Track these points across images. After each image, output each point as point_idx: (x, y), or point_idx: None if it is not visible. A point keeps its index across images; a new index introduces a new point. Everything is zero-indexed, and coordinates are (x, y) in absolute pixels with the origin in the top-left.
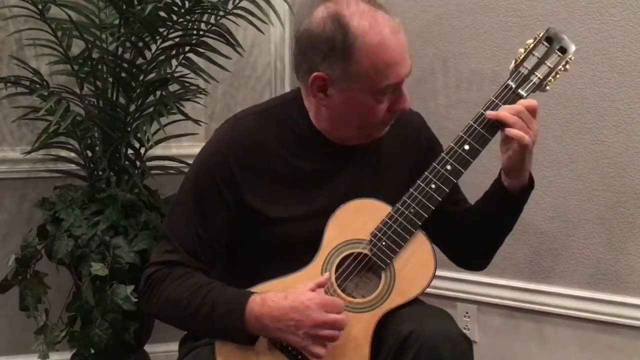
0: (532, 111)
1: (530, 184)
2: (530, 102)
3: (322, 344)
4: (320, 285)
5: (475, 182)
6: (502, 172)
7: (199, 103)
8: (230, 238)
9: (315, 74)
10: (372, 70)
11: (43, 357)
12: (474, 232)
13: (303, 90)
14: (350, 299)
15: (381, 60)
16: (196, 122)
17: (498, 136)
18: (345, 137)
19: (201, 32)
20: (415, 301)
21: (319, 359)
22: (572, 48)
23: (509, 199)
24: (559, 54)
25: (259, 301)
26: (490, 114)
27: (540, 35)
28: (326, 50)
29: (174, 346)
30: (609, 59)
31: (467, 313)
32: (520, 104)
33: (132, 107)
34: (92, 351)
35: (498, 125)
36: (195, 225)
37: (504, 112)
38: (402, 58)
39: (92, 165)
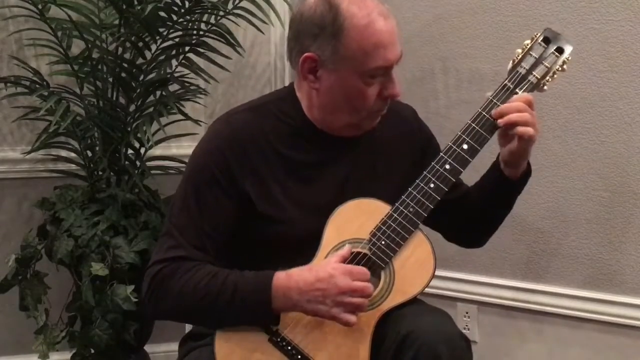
0: (531, 104)
1: (528, 168)
2: (527, 96)
3: (351, 311)
4: (343, 258)
5: (474, 181)
6: (501, 162)
7: (199, 103)
8: (231, 231)
9: (305, 54)
10: (360, 51)
11: (43, 357)
12: (474, 215)
13: (296, 81)
14: None
15: (369, 41)
16: (196, 122)
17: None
18: (336, 125)
19: (201, 32)
20: (414, 301)
21: (350, 325)
22: (569, 48)
23: (509, 185)
24: (556, 54)
25: (284, 276)
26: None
27: (538, 36)
28: (317, 30)
29: (174, 346)
30: (609, 59)
31: (467, 313)
32: (519, 100)
33: (132, 107)
34: (92, 351)
35: (497, 125)
36: (197, 219)
37: (511, 113)
38: (391, 42)
39: (92, 165)
